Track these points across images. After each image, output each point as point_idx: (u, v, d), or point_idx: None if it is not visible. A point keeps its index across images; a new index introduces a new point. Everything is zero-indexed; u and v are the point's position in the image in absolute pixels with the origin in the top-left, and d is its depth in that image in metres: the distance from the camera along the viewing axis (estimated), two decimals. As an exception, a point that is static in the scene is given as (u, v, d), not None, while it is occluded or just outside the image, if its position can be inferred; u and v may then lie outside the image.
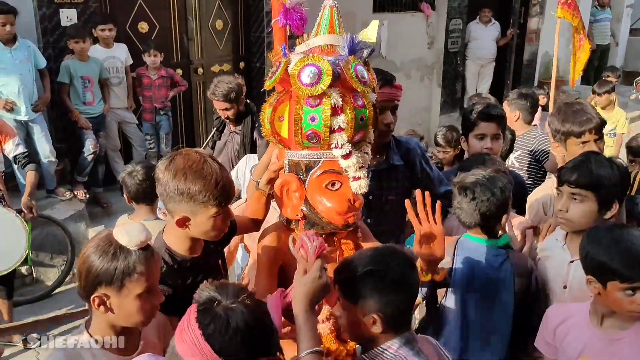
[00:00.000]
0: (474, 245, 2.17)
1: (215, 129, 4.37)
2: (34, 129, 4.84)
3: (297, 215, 1.83)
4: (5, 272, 3.56)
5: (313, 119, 1.72)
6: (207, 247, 1.93)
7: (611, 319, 1.76)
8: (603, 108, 5.64)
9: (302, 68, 1.70)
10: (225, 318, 1.30)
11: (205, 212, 1.73)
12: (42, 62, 4.83)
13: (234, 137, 4.17)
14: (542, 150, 3.72)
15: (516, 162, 3.80)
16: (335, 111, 1.72)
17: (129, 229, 1.55)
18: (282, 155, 1.93)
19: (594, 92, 5.91)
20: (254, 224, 2.09)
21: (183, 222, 1.76)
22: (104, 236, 1.56)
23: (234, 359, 1.30)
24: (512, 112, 3.92)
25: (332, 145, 1.76)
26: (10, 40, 4.55)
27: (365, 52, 1.82)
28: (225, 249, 2.24)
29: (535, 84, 10.06)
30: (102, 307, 1.55)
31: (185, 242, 1.86)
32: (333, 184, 1.80)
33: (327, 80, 1.68)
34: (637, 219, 2.75)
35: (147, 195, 2.81)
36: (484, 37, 8.76)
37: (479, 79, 8.98)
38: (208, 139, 4.41)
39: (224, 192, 1.73)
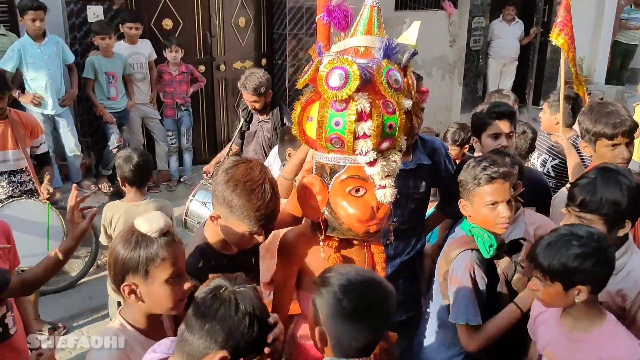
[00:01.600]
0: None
1: (243, 119, 4.44)
2: (61, 123, 4.95)
3: (318, 218, 1.81)
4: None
5: (337, 124, 1.68)
6: None
7: (577, 321, 1.76)
8: None
9: (331, 70, 1.66)
10: (234, 301, 1.36)
11: (238, 226, 1.73)
12: (71, 58, 4.93)
13: (264, 126, 4.25)
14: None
15: (552, 171, 3.65)
16: (361, 117, 1.66)
17: (148, 217, 1.60)
18: None
19: None
20: (294, 219, 2.08)
21: (214, 219, 1.79)
22: (128, 227, 1.61)
23: (243, 342, 1.35)
24: (552, 114, 3.78)
25: (357, 152, 1.71)
26: (40, 36, 4.65)
27: (405, 56, 1.76)
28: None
29: (559, 83, 9.96)
30: (132, 296, 1.59)
31: (222, 238, 1.87)
32: (357, 190, 1.76)
33: (353, 84, 1.62)
34: None
35: (140, 179, 3.13)
36: (507, 35, 8.68)
37: (501, 78, 8.90)
38: (237, 131, 4.48)
39: (263, 220, 1.71)
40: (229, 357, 1.34)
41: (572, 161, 3.20)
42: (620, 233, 1.97)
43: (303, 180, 1.84)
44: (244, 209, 1.69)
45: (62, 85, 4.89)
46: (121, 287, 1.59)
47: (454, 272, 2.14)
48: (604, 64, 10.83)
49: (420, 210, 2.63)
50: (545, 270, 1.70)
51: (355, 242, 1.91)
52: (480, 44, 8.70)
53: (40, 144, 3.83)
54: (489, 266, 2.16)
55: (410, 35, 1.85)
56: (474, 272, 2.10)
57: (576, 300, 1.69)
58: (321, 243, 1.87)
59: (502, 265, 2.17)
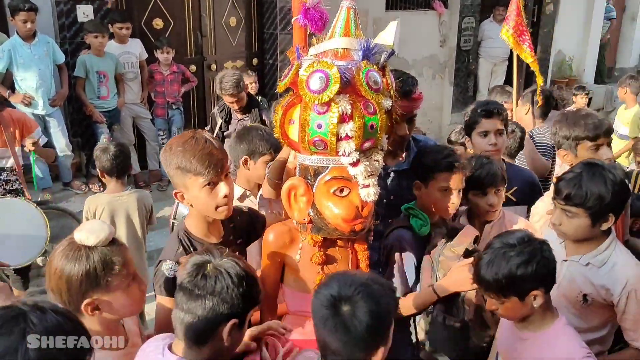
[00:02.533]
0: None
1: (221, 120, 4.48)
2: (51, 123, 4.94)
3: (304, 219, 1.83)
4: (26, 264, 3.63)
5: (320, 126, 1.69)
6: (227, 237, 1.97)
7: (529, 321, 1.79)
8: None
9: (311, 74, 1.67)
10: (225, 272, 1.43)
11: (194, 184, 1.78)
12: (61, 58, 4.92)
13: (243, 124, 4.31)
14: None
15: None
16: (343, 118, 1.68)
17: (90, 228, 1.57)
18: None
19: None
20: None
21: (181, 197, 1.84)
22: (66, 246, 1.56)
23: (242, 303, 1.43)
24: (522, 106, 4.03)
25: (340, 153, 1.73)
26: (30, 37, 4.64)
27: (383, 57, 1.78)
28: None
29: (548, 83, 10.02)
30: (96, 312, 1.56)
31: (202, 225, 1.90)
32: (342, 190, 1.78)
33: (334, 87, 1.64)
34: (630, 217, 2.72)
35: (118, 170, 3.22)
36: (498, 35, 8.67)
37: (491, 78, 8.95)
38: (216, 132, 4.50)
39: (207, 162, 1.75)
40: (237, 321, 1.44)
41: (525, 150, 3.42)
42: (604, 227, 2.01)
43: (287, 182, 1.85)
44: (185, 159, 1.76)
45: (52, 85, 4.88)
46: (82, 307, 1.54)
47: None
48: (592, 63, 10.91)
49: None
50: (495, 288, 1.72)
51: (339, 240, 1.94)
52: (471, 43, 8.74)
53: (39, 138, 3.84)
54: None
55: (387, 35, 1.87)
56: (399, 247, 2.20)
57: (535, 305, 1.71)
58: (300, 244, 1.91)
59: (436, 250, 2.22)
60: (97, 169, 3.27)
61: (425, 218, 2.21)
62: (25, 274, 3.84)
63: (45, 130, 4.92)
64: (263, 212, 2.34)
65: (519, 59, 4.07)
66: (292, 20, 1.89)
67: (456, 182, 2.17)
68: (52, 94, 4.88)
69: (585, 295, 2.05)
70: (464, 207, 2.52)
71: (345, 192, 1.77)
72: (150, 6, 5.77)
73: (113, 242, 1.59)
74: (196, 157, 1.75)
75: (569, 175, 2.04)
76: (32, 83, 4.72)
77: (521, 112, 4.17)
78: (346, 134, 1.69)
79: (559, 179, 2.08)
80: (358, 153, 1.73)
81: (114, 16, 5.28)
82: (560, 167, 3.39)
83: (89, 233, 1.54)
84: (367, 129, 1.72)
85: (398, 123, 2.16)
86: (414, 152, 2.56)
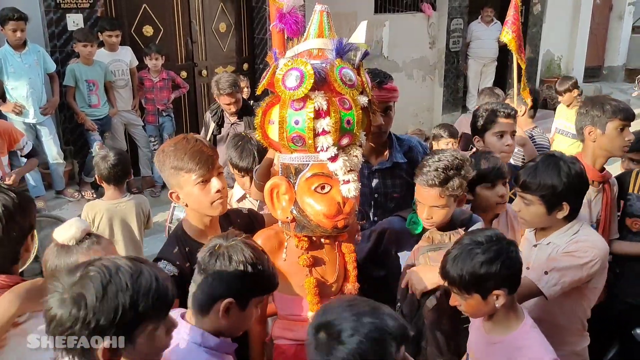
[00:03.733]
0: None
1: (214, 123, 4.50)
2: (42, 131, 4.95)
3: (287, 217, 1.85)
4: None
5: (297, 122, 1.74)
6: None
7: (495, 324, 1.81)
8: (568, 106, 5.43)
9: (287, 72, 1.74)
10: (227, 255, 1.53)
11: (188, 182, 1.87)
12: (52, 66, 4.94)
13: (237, 128, 4.34)
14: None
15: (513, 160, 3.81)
16: (319, 114, 1.71)
17: (65, 228, 1.70)
18: None
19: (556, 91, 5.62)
20: None
21: (176, 197, 1.92)
22: (53, 247, 1.71)
23: (243, 286, 1.53)
24: (517, 107, 4.00)
25: (318, 149, 1.76)
26: (21, 46, 4.66)
27: (358, 56, 1.84)
28: None
29: (537, 82, 10.11)
30: None
31: (199, 226, 1.97)
32: (323, 187, 1.80)
33: (308, 83, 1.69)
34: (630, 217, 2.80)
35: (117, 177, 3.25)
36: (486, 36, 8.80)
37: (481, 78, 9.03)
38: (209, 135, 4.52)
39: (197, 158, 1.86)
40: (235, 301, 1.53)
41: (527, 151, 3.41)
42: (559, 215, 2.08)
43: (269, 182, 1.88)
44: (177, 158, 1.86)
45: (43, 93, 4.89)
46: None
47: None
48: (581, 61, 11.01)
49: (400, 210, 2.68)
50: (458, 284, 1.73)
51: (326, 242, 1.96)
52: (460, 45, 8.81)
53: (24, 146, 3.86)
54: None
55: (358, 35, 1.91)
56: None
57: (497, 305, 1.72)
58: (286, 244, 1.94)
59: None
60: (96, 176, 3.30)
61: (419, 220, 2.26)
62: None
63: (37, 139, 4.94)
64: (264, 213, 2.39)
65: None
66: (270, 26, 1.95)
67: (426, 198, 2.17)
68: (43, 103, 4.90)
69: (546, 272, 2.05)
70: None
71: (326, 189, 1.80)
72: (140, 13, 5.80)
73: (89, 237, 1.73)
74: (187, 154, 1.85)
75: (528, 164, 2.14)
76: (22, 92, 4.73)
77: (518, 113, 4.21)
78: (323, 129, 1.73)
79: (520, 167, 2.20)
80: (336, 148, 1.76)
81: (103, 24, 5.30)
82: None
83: (64, 234, 1.68)
84: (344, 124, 1.76)
85: (374, 113, 2.18)
86: (396, 150, 2.59)
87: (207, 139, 4.47)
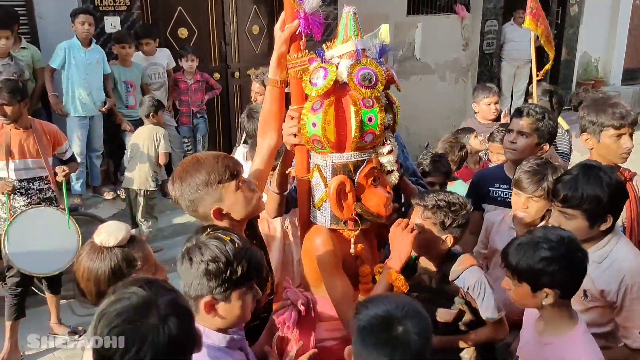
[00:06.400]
0: None
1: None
2: (92, 126, 5.15)
3: (352, 214, 1.90)
4: (58, 272, 3.74)
5: (370, 119, 1.82)
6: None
7: (548, 325, 1.79)
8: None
9: (357, 72, 1.80)
10: (188, 256, 1.52)
11: (228, 190, 1.81)
12: (107, 69, 5.14)
13: None
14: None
15: None
16: (385, 109, 1.87)
17: (108, 230, 1.64)
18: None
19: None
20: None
21: (219, 214, 1.83)
22: (89, 250, 1.64)
23: (216, 288, 1.50)
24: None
25: (380, 143, 1.90)
26: (87, 42, 4.90)
27: (372, 52, 1.88)
28: None
29: (574, 85, 9.91)
30: None
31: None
32: (375, 180, 1.91)
33: (382, 82, 1.83)
34: None
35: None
36: (520, 38, 8.64)
37: (514, 81, 8.88)
38: (244, 137, 4.53)
39: (224, 165, 1.81)
40: (213, 298, 1.52)
41: (549, 154, 3.25)
42: (602, 227, 2.01)
43: (333, 183, 1.88)
44: (208, 173, 1.79)
45: (99, 91, 5.06)
46: None
47: None
48: (619, 64, 10.74)
49: None
50: (513, 270, 1.73)
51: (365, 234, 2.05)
52: (493, 47, 8.69)
53: (66, 150, 3.98)
54: None
55: (383, 35, 2.04)
56: None
57: (544, 303, 1.71)
58: (352, 240, 1.98)
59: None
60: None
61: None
62: (57, 280, 3.95)
63: (88, 132, 5.13)
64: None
65: (537, 60, 4.05)
66: (286, 27, 1.96)
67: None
68: (98, 100, 5.06)
69: (585, 291, 2.04)
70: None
71: (377, 181, 1.93)
72: (175, 16, 5.90)
73: (132, 239, 1.66)
74: (219, 163, 1.81)
75: (566, 177, 2.04)
76: (79, 86, 4.92)
77: None
78: (388, 123, 1.90)
79: (557, 180, 2.10)
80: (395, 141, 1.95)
81: (138, 30, 5.43)
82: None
83: (108, 235, 1.62)
84: (365, 121, 1.85)
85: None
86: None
87: (242, 140, 4.49)
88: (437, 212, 2.09)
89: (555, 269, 1.66)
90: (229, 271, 1.49)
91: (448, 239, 2.13)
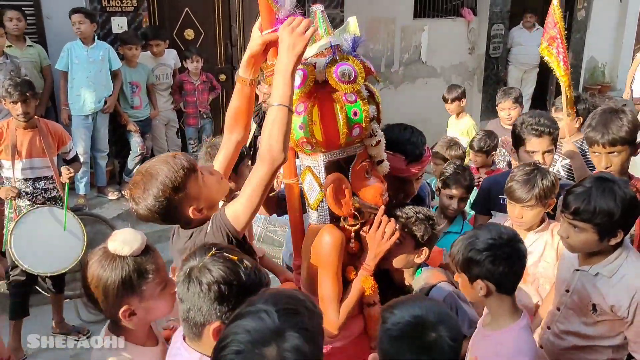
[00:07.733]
0: None
1: (256, 125, 4.49)
2: (96, 125, 5.14)
3: (351, 209, 1.89)
4: (63, 271, 3.74)
5: (355, 114, 1.81)
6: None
7: (492, 319, 1.85)
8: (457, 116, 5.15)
9: (336, 69, 1.78)
10: (197, 280, 1.41)
11: (195, 185, 1.75)
12: (116, 64, 5.12)
13: None
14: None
15: (562, 170, 3.55)
16: (367, 102, 1.85)
17: (124, 239, 1.58)
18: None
19: (444, 99, 5.20)
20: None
21: (197, 211, 1.77)
22: (101, 256, 1.58)
23: (225, 312, 1.39)
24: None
25: (367, 135, 1.89)
26: (89, 40, 4.90)
27: (345, 45, 1.85)
28: None
29: (580, 90, 9.87)
30: (133, 317, 1.61)
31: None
32: (367, 172, 1.92)
33: (362, 75, 1.81)
34: None
35: None
36: (528, 42, 8.63)
37: (521, 85, 8.85)
38: (250, 137, 4.52)
39: (180, 162, 1.73)
40: (222, 323, 1.40)
41: (575, 164, 3.15)
42: (612, 242, 1.96)
43: (329, 180, 1.86)
44: (168, 182, 1.70)
45: (103, 89, 5.04)
46: (120, 313, 1.59)
47: None
48: (626, 69, 10.68)
49: None
50: (454, 259, 1.83)
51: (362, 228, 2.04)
52: (500, 51, 8.67)
53: (70, 150, 3.99)
54: None
55: (352, 28, 1.95)
56: None
57: (479, 295, 1.78)
58: (353, 234, 1.97)
59: None
60: None
61: None
62: (61, 279, 3.96)
63: (91, 131, 5.11)
64: None
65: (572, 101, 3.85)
66: (264, 33, 1.90)
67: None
68: (102, 98, 5.05)
69: (594, 305, 2.01)
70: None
71: (370, 173, 1.94)
72: (182, 18, 5.91)
73: (146, 249, 1.62)
74: (172, 165, 1.72)
75: (578, 189, 1.98)
76: (82, 83, 4.91)
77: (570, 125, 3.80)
78: (373, 116, 1.88)
79: (569, 192, 2.02)
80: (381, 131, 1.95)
81: (147, 32, 5.44)
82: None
83: (123, 243, 1.57)
84: (351, 116, 1.84)
85: (411, 183, 2.23)
86: None
87: (249, 139, 4.48)
88: (417, 225, 2.08)
89: (483, 258, 1.72)
90: (242, 294, 1.39)
91: (424, 252, 2.13)
